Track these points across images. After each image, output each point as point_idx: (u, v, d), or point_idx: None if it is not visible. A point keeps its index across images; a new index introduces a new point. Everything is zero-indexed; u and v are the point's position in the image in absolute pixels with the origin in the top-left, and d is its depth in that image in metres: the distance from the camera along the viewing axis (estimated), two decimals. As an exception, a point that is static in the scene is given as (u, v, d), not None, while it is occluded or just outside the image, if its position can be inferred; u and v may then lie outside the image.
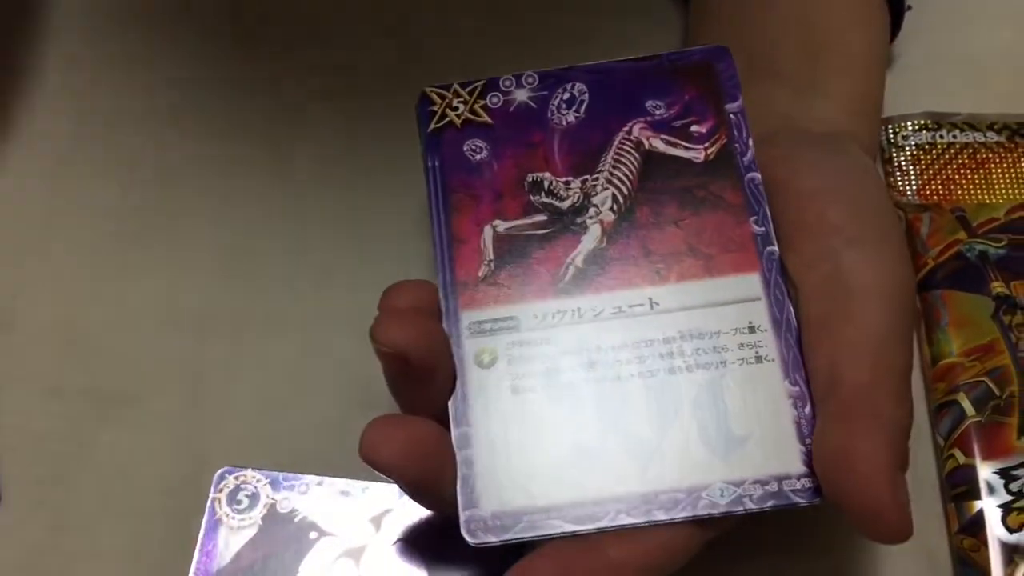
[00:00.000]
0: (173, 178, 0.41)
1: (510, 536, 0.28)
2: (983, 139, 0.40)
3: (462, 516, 0.28)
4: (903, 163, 0.40)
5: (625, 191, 0.31)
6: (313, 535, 0.34)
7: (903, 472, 0.27)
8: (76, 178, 0.41)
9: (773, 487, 0.28)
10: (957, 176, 0.39)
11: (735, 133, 0.32)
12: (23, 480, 0.36)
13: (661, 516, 0.28)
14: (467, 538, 0.28)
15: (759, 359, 0.29)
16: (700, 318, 0.30)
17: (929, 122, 0.40)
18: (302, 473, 0.35)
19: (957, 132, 0.40)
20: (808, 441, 0.28)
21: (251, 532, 0.34)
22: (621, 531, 0.28)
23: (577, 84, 0.33)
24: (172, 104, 0.42)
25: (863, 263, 0.29)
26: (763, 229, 0.30)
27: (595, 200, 0.31)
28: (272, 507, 0.35)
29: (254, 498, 0.35)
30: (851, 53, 0.36)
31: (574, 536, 0.28)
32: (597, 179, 0.32)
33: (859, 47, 0.37)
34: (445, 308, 0.30)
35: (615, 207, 0.31)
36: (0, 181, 0.41)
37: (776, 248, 0.30)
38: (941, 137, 0.40)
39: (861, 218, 0.29)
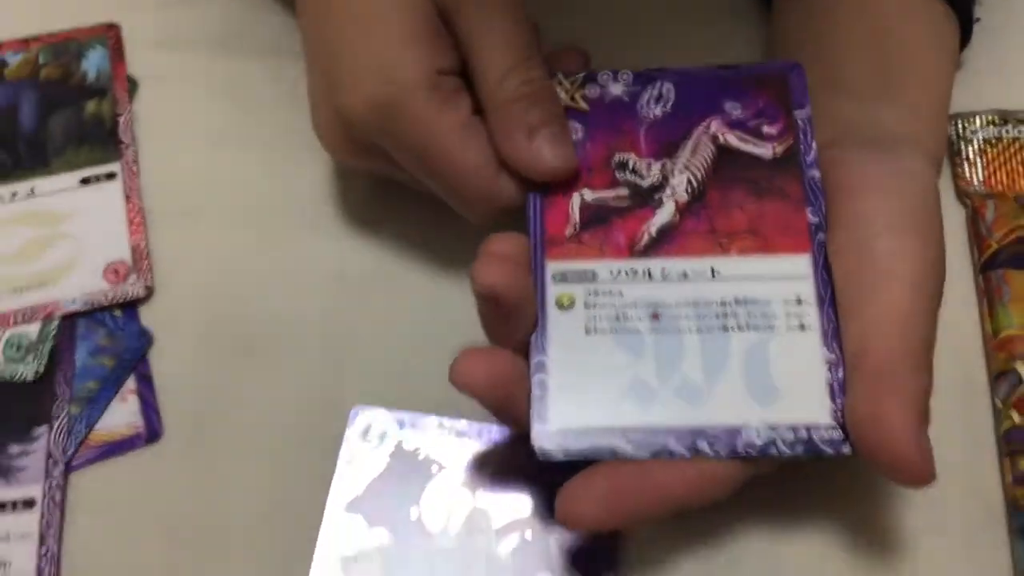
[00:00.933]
0: (308, 158, 0.45)
1: (572, 452, 0.32)
2: (1045, 134, 0.44)
3: (532, 431, 0.33)
4: (970, 155, 0.44)
5: (699, 176, 0.36)
6: (434, 469, 0.39)
7: (925, 428, 0.32)
8: (227, 152, 0.46)
9: (803, 434, 0.32)
10: (1021, 167, 0.43)
11: (801, 136, 0.36)
12: (180, 417, 0.41)
13: (705, 448, 0.32)
14: (535, 447, 0.33)
15: (802, 327, 0.34)
16: (754, 288, 0.34)
17: (996, 118, 0.44)
18: (425, 413, 0.40)
19: (1022, 128, 0.44)
20: (839, 400, 0.33)
21: (381, 466, 0.39)
22: (669, 460, 0.32)
23: (666, 83, 0.38)
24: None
25: (889, 251, 0.33)
26: (817, 219, 0.35)
27: (672, 182, 0.36)
28: (399, 444, 0.39)
29: (383, 435, 0.40)
30: (922, 68, 0.40)
31: (626, 460, 0.32)
32: (676, 164, 0.36)
33: (929, 62, 0.40)
34: (534, 258, 0.35)
35: (689, 189, 0.36)
36: (158, 152, 0.46)
37: (825, 236, 0.35)
38: (1007, 132, 0.44)
39: (892, 211, 0.34)
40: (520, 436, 0.34)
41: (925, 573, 0.37)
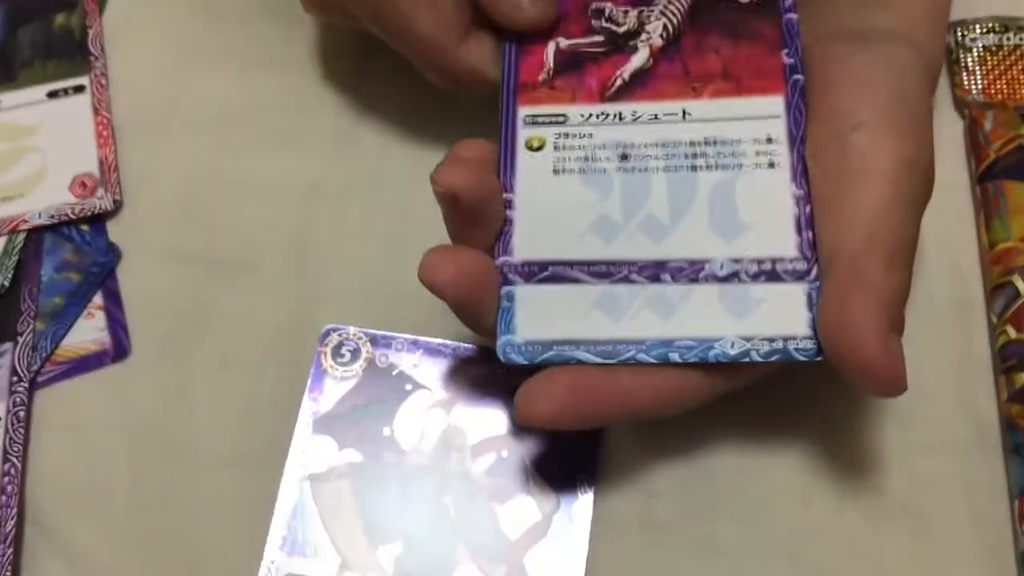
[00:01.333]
0: (278, 71, 0.44)
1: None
2: (1049, 42, 0.42)
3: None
4: (970, 63, 0.42)
5: (675, 22, 0.36)
6: (408, 387, 0.38)
7: (897, 333, 0.30)
8: (197, 65, 0.44)
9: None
10: (1022, 76, 0.41)
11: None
12: (149, 334, 0.40)
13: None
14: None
15: (772, 165, 0.33)
16: (725, 128, 0.33)
17: (996, 25, 0.42)
18: (398, 332, 0.39)
19: (1023, 35, 0.42)
20: (805, 233, 0.32)
21: (352, 382, 0.38)
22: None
23: None
24: (282, 7, 0.45)
25: (865, 145, 0.31)
26: (792, 60, 0.34)
27: (648, 28, 0.36)
28: (371, 361, 0.38)
29: (355, 353, 0.38)
30: None
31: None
32: (652, 11, 0.36)
33: None
34: (506, 104, 0.35)
35: (664, 34, 0.35)
36: (127, 65, 0.45)
37: (802, 77, 0.34)
38: (1008, 40, 0.42)
39: (873, 104, 0.32)
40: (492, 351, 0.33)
41: (914, 493, 0.36)
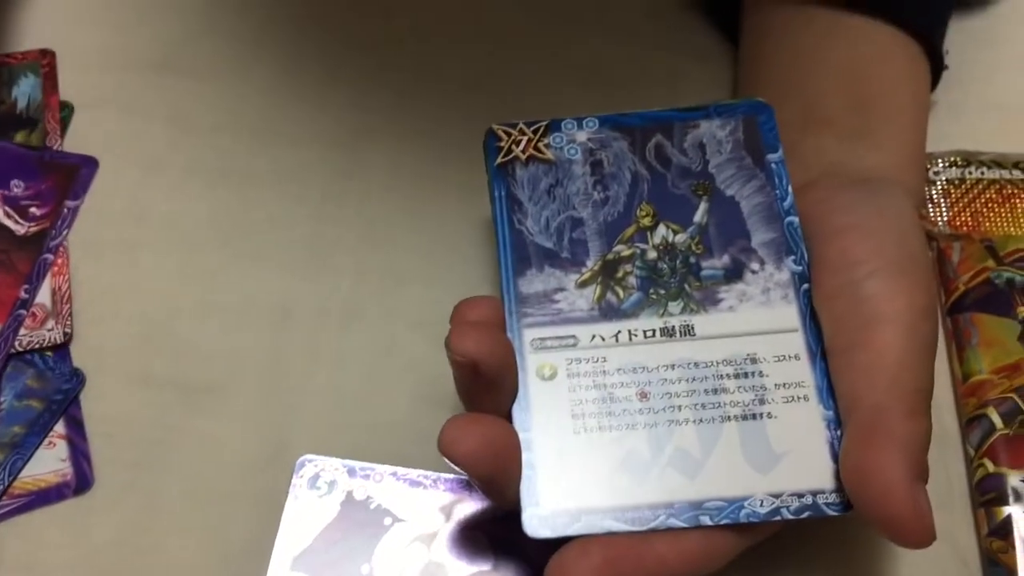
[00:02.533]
0: (255, 181, 0.43)
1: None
2: (1009, 176, 0.43)
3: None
4: (934, 196, 0.43)
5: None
6: (387, 521, 0.37)
7: (922, 482, 0.30)
8: (165, 180, 0.44)
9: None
10: (985, 209, 0.43)
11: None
12: (114, 464, 0.38)
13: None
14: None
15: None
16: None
17: (959, 159, 0.44)
18: (376, 463, 0.38)
19: (985, 169, 0.43)
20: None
21: (330, 517, 0.37)
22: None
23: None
24: (259, 113, 0.45)
25: (879, 294, 0.31)
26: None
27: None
28: (349, 494, 0.37)
29: (332, 485, 0.37)
30: (899, 105, 0.39)
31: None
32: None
33: (906, 100, 0.39)
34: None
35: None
36: (97, 181, 0.43)
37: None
38: (970, 173, 0.43)
39: (881, 252, 0.32)
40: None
41: (899, 627, 0.36)
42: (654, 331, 0.33)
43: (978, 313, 0.40)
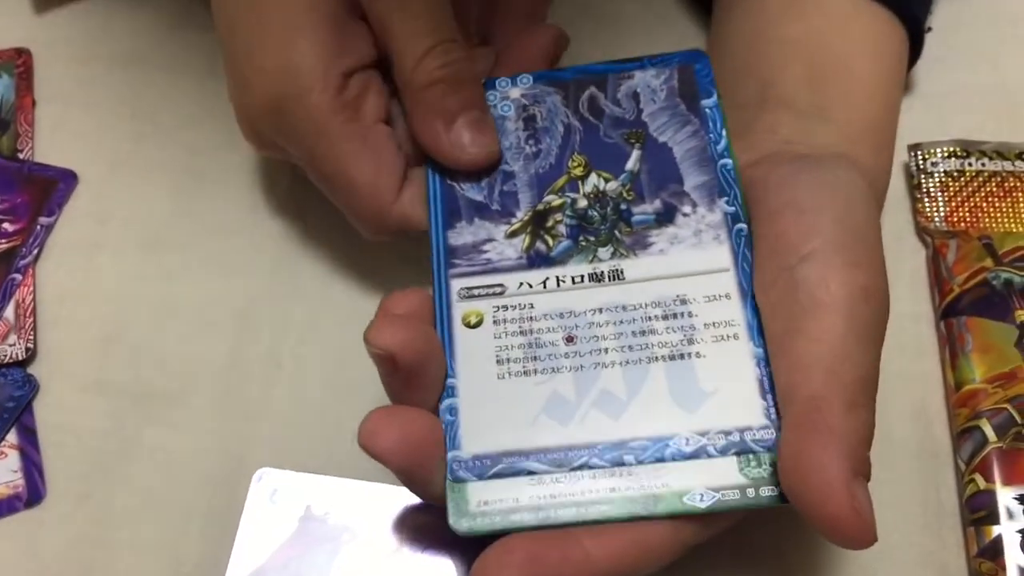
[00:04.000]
0: (221, 185, 0.42)
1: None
2: (1011, 168, 0.41)
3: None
4: (931, 189, 0.41)
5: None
6: (347, 536, 0.35)
7: (863, 479, 0.28)
8: (129, 178, 0.42)
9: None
10: (985, 204, 0.40)
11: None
12: (67, 475, 0.37)
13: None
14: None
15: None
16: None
17: (958, 149, 0.41)
18: (337, 476, 0.36)
19: (986, 160, 0.41)
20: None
21: (288, 531, 0.35)
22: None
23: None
24: (226, 109, 0.43)
25: (813, 277, 0.29)
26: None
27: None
28: (308, 508, 0.36)
29: (291, 499, 0.36)
30: (858, 79, 0.37)
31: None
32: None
33: (866, 73, 0.37)
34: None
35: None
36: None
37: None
38: (970, 165, 0.41)
39: (817, 231, 0.30)
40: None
41: (881, 651, 0.34)
42: (583, 276, 0.33)
43: (973, 317, 0.37)
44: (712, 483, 0.29)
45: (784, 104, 0.36)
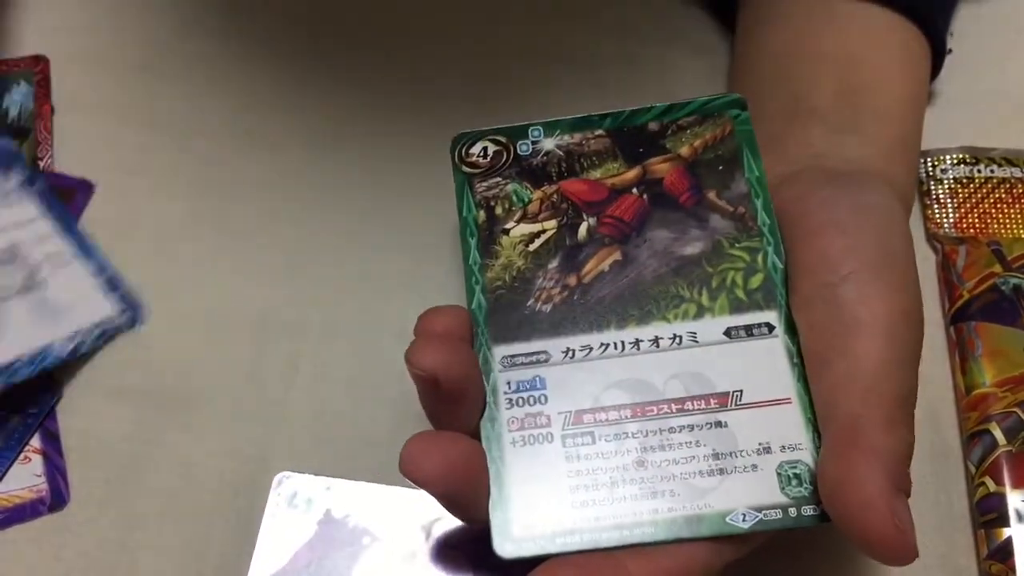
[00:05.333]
0: (238, 191, 0.42)
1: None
2: (1020, 175, 0.41)
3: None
4: (941, 196, 0.41)
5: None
6: (366, 540, 0.36)
7: (903, 496, 0.28)
8: (143, 185, 0.43)
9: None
10: (994, 210, 0.41)
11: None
12: (89, 480, 0.37)
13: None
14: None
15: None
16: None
17: (967, 156, 0.42)
18: (357, 479, 0.37)
19: (995, 167, 0.41)
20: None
21: (308, 535, 0.36)
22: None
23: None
24: (239, 117, 0.44)
25: (856, 298, 0.30)
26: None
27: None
28: (328, 512, 0.36)
29: (311, 502, 0.36)
30: (890, 96, 0.37)
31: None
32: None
33: (899, 90, 0.37)
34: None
35: None
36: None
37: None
38: (979, 171, 0.41)
39: (859, 252, 0.30)
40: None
41: (893, 651, 0.34)
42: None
43: (983, 322, 0.38)
44: (754, 502, 0.29)
45: (816, 117, 0.36)
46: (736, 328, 0.31)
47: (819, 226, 0.31)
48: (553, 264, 0.33)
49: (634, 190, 0.34)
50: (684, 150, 0.34)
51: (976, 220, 0.41)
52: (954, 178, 0.41)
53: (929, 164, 0.42)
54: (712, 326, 0.31)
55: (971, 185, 0.41)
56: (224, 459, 0.38)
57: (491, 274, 0.33)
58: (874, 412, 0.28)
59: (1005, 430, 0.36)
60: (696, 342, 0.31)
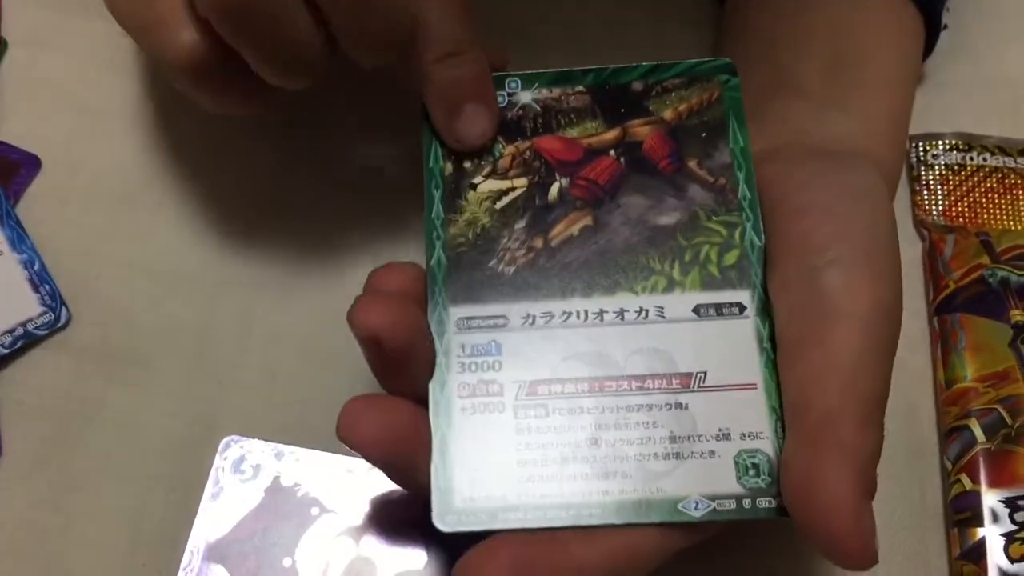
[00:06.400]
0: (191, 143, 0.40)
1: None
2: (1013, 164, 0.40)
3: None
4: (931, 182, 0.40)
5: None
6: (315, 511, 0.34)
7: (869, 499, 0.27)
8: (94, 138, 0.40)
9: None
10: (984, 200, 0.39)
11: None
12: (25, 436, 0.35)
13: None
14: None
15: None
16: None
17: (960, 143, 0.40)
18: (308, 447, 0.35)
19: (988, 155, 0.40)
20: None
21: (253, 503, 0.34)
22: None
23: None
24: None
25: (839, 285, 0.28)
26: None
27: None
28: (276, 479, 0.35)
29: (258, 469, 0.35)
30: (877, 70, 0.36)
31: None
32: None
33: (886, 64, 0.36)
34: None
35: None
36: (27, 126, 0.40)
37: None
38: (971, 159, 0.40)
39: (845, 237, 0.29)
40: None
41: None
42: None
43: (968, 314, 0.37)
44: (708, 491, 0.28)
45: (799, 92, 0.35)
46: (706, 306, 0.30)
47: (805, 206, 0.30)
48: (520, 224, 0.31)
49: (611, 152, 0.32)
50: (667, 113, 0.32)
51: (966, 209, 0.39)
52: (945, 164, 0.40)
53: (920, 148, 0.40)
54: (681, 302, 0.30)
55: (962, 173, 0.40)
56: (169, 420, 0.36)
57: (454, 230, 0.31)
58: (850, 408, 0.27)
59: (984, 427, 0.35)
60: (663, 317, 0.30)
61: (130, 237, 0.39)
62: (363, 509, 0.34)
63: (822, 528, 0.26)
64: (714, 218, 0.31)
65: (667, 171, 0.31)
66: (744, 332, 0.29)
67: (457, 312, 0.30)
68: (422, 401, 0.29)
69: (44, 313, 0.37)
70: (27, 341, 0.36)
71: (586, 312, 0.30)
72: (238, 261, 0.38)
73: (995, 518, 0.34)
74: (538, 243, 0.31)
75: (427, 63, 0.31)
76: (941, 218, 0.39)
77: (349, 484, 0.35)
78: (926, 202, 0.39)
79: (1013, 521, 0.33)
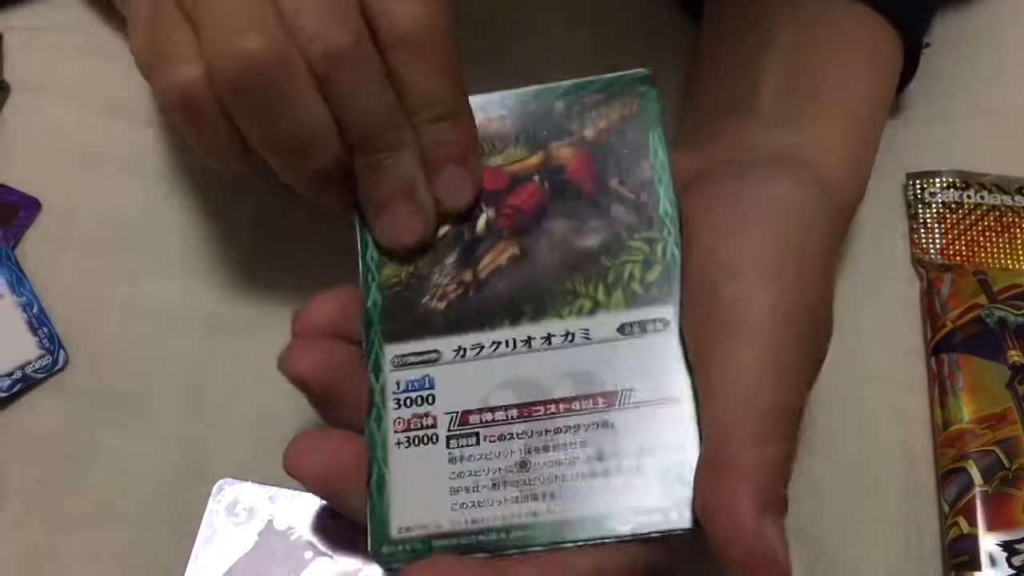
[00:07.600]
0: (186, 187, 0.40)
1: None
2: (1011, 203, 0.40)
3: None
4: (928, 220, 0.39)
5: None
6: (308, 554, 0.34)
7: (776, 515, 0.26)
8: (93, 182, 0.41)
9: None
10: (982, 238, 0.39)
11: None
12: (21, 479, 0.36)
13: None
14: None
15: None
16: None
17: (958, 180, 0.40)
18: (302, 490, 0.35)
19: (985, 193, 0.40)
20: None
21: (247, 546, 0.34)
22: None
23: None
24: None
25: (738, 297, 0.28)
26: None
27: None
28: (270, 522, 0.35)
29: (252, 512, 0.35)
30: (842, 93, 0.35)
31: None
32: None
33: (855, 88, 0.36)
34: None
35: None
36: (28, 171, 0.41)
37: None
38: (969, 197, 0.40)
39: (748, 250, 0.29)
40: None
41: None
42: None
43: (965, 354, 0.36)
44: (635, 505, 0.28)
45: (753, 111, 0.34)
46: (630, 324, 0.30)
47: (716, 221, 0.30)
48: (450, 259, 0.31)
49: (536, 177, 0.32)
50: (589, 132, 0.32)
51: (963, 248, 0.39)
52: (943, 202, 0.40)
53: (917, 186, 0.40)
54: (606, 322, 0.30)
55: (960, 211, 0.39)
56: (163, 463, 0.36)
57: (388, 271, 0.31)
58: (743, 425, 0.27)
59: (982, 469, 0.34)
60: (588, 340, 0.30)
61: (127, 280, 0.39)
62: (357, 553, 0.34)
63: (726, 552, 0.26)
64: (636, 236, 0.31)
65: (590, 193, 0.32)
66: (669, 347, 0.29)
67: (392, 350, 0.30)
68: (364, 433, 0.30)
69: (42, 356, 0.37)
70: (25, 385, 0.37)
71: (514, 340, 0.30)
72: (233, 303, 0.38)
73: (992, 562, 0.33)
74: (467, 276, 0.31)
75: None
76: (938, 256, 0.39)
77: (343, 527, 0.34)
78: (923, 240, 0.39)
79: (1011, 565, 0.33)
